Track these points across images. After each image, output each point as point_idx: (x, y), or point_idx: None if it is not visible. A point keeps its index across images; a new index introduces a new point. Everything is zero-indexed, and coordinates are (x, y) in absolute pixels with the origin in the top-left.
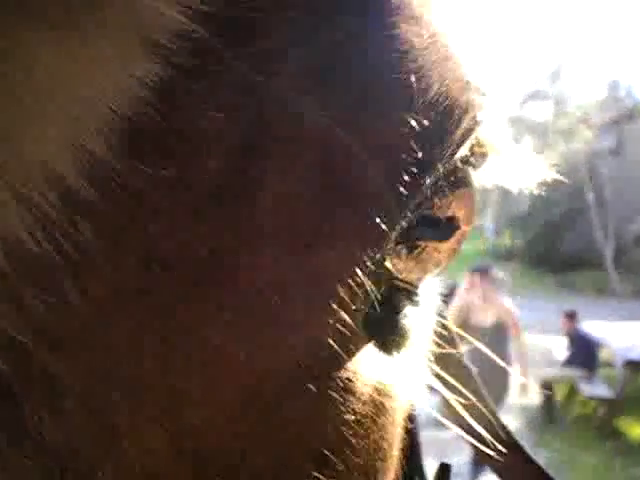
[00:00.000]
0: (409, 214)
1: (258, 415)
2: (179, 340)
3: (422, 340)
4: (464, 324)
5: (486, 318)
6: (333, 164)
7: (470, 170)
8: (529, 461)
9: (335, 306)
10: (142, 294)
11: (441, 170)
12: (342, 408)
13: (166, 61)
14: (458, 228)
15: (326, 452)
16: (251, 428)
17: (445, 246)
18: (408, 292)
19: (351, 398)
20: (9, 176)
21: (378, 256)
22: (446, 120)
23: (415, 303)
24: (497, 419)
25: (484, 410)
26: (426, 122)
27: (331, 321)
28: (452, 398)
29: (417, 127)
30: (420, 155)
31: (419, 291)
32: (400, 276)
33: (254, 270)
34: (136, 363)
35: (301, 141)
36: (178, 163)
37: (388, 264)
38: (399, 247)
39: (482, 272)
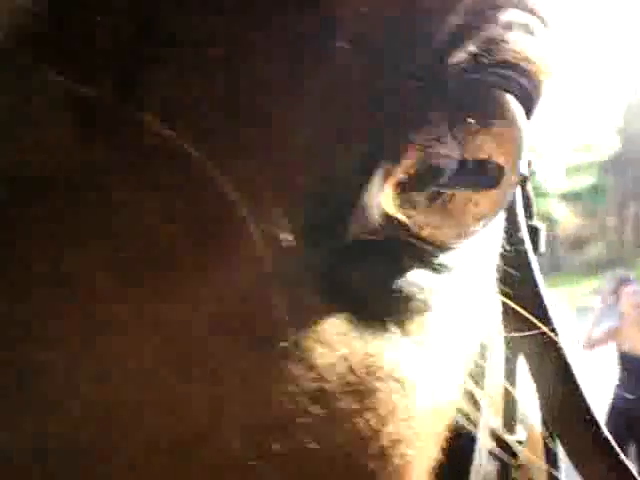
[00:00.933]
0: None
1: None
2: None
3: (470, 321)
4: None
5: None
6: None
7: (509, 100)
8: (619, 468)
9: (245, 254)
10: None
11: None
12: (280, 375)
13: None
14: (496, 175)
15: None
16: (152, 395)
17: (483, 197)
18: (422, 251)
19: (297, 366)
20: None
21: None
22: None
23: (433, 267)
24: (595, 424)
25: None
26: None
27: (243, 274)
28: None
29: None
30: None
31: (445, 254)
32: (421, 232)
33: (133, 205)
34: None
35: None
36: (65, 74)
37: (399, 215)
38: (413, 194)
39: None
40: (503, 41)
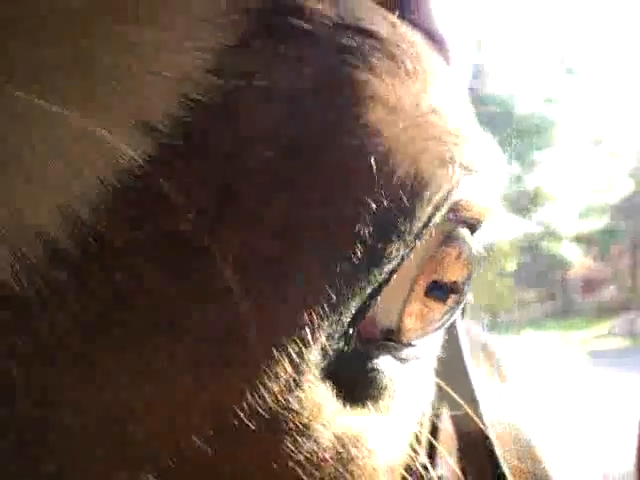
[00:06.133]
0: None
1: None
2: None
3: (417, 401)
4: None
5: None
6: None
7: (463, 234)
8: None
9: (276, 349)
10: (103, 327)
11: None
12: (293, 449)
13: (156, 140)
14: (449, 290)
15: None
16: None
17: (440, 307)
18: (394, 349)
19: (304, 440)
20: (8, 234)
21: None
22: (414, 198)
23: (400, 358)
24: None
25: None
26: (387, 202)
27: (272, 365)
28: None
29: (375, 208)
30: (374, 235)
31: (409, 347)
32: (403, 337)
33: (201, 315)
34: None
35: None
36: (154, 223)
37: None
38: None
39: None
40: (464, 204)
